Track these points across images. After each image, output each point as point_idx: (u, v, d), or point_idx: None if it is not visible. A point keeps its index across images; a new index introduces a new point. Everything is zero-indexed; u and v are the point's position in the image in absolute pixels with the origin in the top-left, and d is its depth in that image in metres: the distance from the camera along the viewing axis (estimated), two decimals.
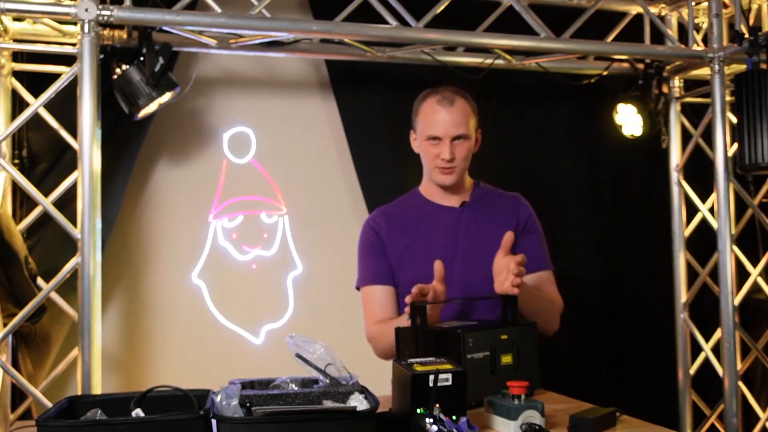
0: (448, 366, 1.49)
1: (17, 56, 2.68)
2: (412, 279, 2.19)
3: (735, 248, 3.00)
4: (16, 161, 2.67)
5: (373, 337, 2.25)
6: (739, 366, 2.95)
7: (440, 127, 2.16)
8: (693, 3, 2.97)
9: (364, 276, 2.28)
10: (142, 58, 2.54)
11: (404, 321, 1.92)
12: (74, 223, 2.35)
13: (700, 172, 3.29)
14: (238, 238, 3.11)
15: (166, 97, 2.60)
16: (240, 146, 3.14)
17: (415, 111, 2.27)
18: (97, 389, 2.30)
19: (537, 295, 2.14)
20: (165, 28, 2.58)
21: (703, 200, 3.27)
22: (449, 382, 1.45)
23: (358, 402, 1.49)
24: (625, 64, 3.19)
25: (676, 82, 3.32)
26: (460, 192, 2.28)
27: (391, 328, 1.94)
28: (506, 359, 1.83)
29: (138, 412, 1.43)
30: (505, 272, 1.91)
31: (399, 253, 2.25)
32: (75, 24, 2.40)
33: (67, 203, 2.46)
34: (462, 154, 2.19)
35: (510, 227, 2.20)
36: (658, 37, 3.12)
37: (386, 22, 2.66)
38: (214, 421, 1.36)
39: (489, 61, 3.00)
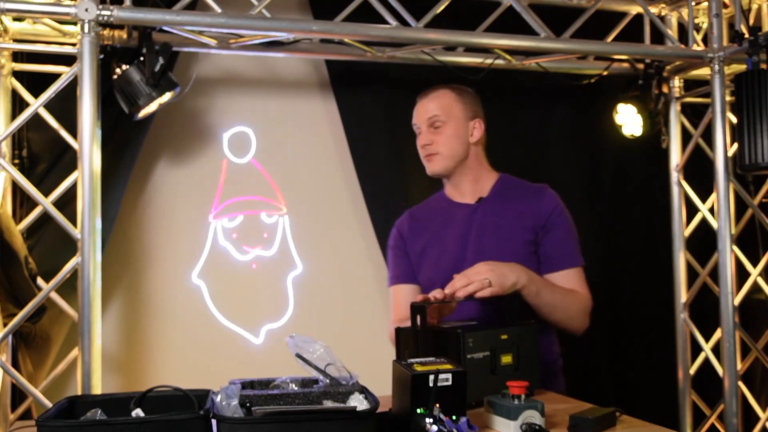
0: (448, 366, 1.49)
1: (17, 56, 2.68)
2: (427, 279, 2.22)
3: (735, 248, 3.00)
4: (16, 161, 2.67)
5: (393, 336, 2.27)
6: (739, 366, 2.95)
7: (416, 116, 2.28)
8: (693, 3, 2.96)
9: (391, 276, 2.35)
10: (142, 58, 2.54)
11: None
12: (74, 223, 2.35)
13: (700, 172, 3.28)
14: (238, 238, 3.11)
15: (166, 97, 2.60)
16: (240, 146, 3.14)
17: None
18: (97, 389, 2.29)
19: (553, 290, 2.10)
20: (165, 28, 2.58)
21: (703, 200, 3.27)
22: (449, 382, 1.45)
23: (358, 402, 1.49)
24: (625, 64, 3.18)
25: (676, 82, 3.32)
26: (477, 187, 2.27)
27: None
28: (506, 359, 1.83)
29: (138, 412, 1.43)
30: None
31: (418, 253, 2.28)
32: (75, 24, 2.40)
33: (67, 203, 2.46)
34: (440, 140, 2.22)
35: (527, 221, 2.19)
36: (658, 37, 3.11)
37: (386, 22, 2.65)
38: (214, 421, 1.36)
39: (489, 61, 3.00)
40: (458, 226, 2.24)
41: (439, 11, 2.70)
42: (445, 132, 2.23)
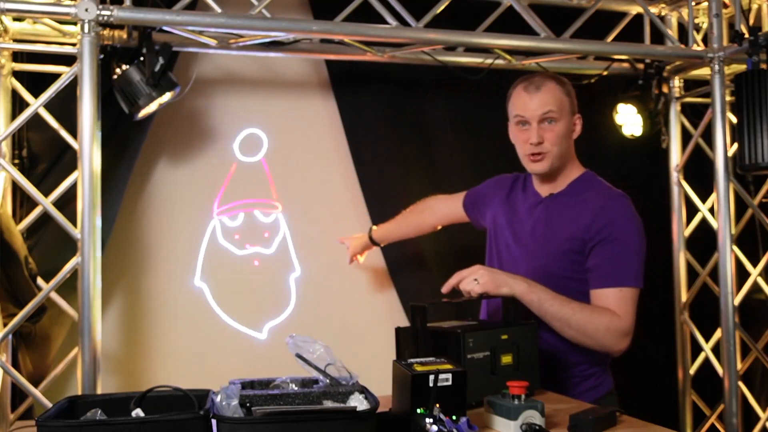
0: (448, 366, 1.49)
1: (17, 56, 2.67)
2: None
3: (735, 248, 3.00)
4: (16, 161, 2.67)
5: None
6: (739, 366, 2.95)
7: (527, 110, 2.11)
8: (693, 3, 2.96)
9: (471, 189, 2.53)
10: (142, 58, 2.54)
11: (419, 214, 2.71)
12: (74, 223, 2.35)
13: (700, 172, 3.28)
14: (240, 237, 3.11)
15: (166, 97, 2.60)
16: (240, 146, 3.14)
17: (507, 98, 2.23)
18: (97, 389, 2.30)
19: (562, 304, 1.98)
20: (165, 28, 2.58)
21: (703, 200, 3.27)
22: (449, 382, 1.45)
23: (358, 402, 1.49)
24: (625, 64, 3.19)
25: (676, 82, 3.32)
26: (556, 182, 2.19)
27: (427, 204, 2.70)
28: (506, 359, 1.83)
29: (138, 412, 1.43)
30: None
31: (490, 214, 2.32)
32: (75, 24, 2.40)
33: (67, 203, 2.46)
34: (551, 139, 2.11)
35: (578, 228, 2.07)
36: (658, 37, 3.11)
37: (386, 22, 2.65)
38: (214, 421, 1.36)
39: (489, 61, 3.00)
40: (522, 216, 2.21)
41: (439, 11, 2.70)
42: (554, 129, 2.10)
